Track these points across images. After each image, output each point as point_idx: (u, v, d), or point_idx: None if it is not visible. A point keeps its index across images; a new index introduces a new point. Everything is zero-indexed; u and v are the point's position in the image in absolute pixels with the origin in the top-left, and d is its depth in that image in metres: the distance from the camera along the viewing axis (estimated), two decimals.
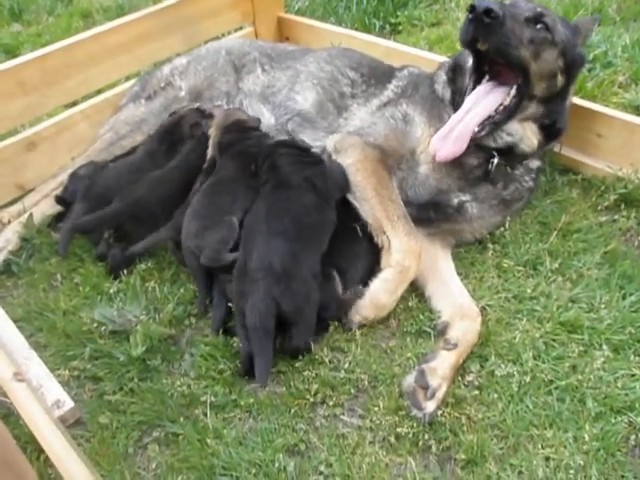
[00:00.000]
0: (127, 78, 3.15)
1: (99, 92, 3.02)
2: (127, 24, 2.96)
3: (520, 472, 1.64)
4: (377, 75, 2.64)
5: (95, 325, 2.03)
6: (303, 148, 2.35)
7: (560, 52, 2.12)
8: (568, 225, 2.31)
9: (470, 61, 2.19)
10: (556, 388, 1.81)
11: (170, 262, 2.28)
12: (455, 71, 2.37)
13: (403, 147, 2.28)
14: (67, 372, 1.95)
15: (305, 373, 1.87)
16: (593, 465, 1.62)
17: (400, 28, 3.89)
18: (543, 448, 1.67)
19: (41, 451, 1.62)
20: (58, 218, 2.49)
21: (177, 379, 1.89)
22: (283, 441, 1.72)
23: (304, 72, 2.75)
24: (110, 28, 2.92)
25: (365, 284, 2.03)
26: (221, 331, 1.98)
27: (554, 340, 1.93)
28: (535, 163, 2.35)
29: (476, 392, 1.80)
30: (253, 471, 1.66)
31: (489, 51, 2.00)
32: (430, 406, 1.74)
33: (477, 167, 2.25)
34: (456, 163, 2.20)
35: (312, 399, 1.81)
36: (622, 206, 2.39)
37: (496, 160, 2.22)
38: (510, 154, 2.24)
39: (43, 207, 2.54)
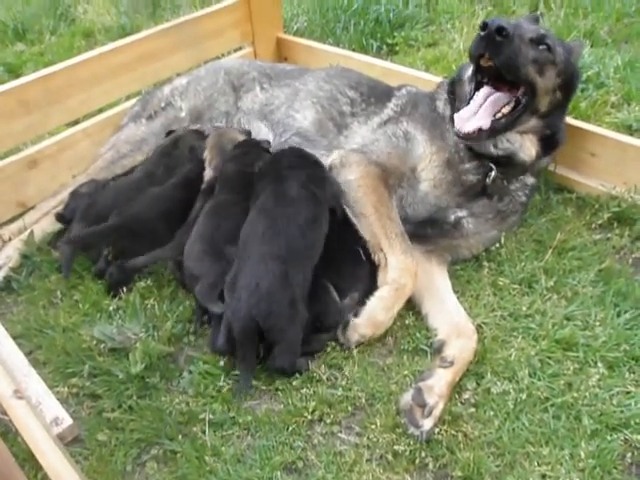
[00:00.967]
0: (128, 97, 3.19)
1: (100, 111, 3.06)
2: (130, 44, 3.01)
3: None
4: (376, 94, 2.68)
5: (94, 342, 2.04)
6: (304, 152, 2.41)
7: (559, 71, 2.20)
8: (563, 243, 2.34)
9: (470, 71, 2.25)
10: (552, 405, 1.82)
11: (169, 280, 2.29)
12: (454, 84, 2.43)
13: (404, 165, 2.32)
14: (66, 389, 1.95)
15: (303, 391, 1.88)
16: None
17: (397, 49, 3.96)
18: (539, 465, 1.68)
19: (39, 468, 1.61)
20: (59, 235, 2.49)
21: (176, 397, 1.89)
22: (281, 459, 1.72)
23: (303, 90, 2.78)
24: (113, 48, 2.97)
25: (363, 304, 2.04)
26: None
27: (549, 358, 1.95)
28: (530, 180, 2.40)
29: (472, 410, 1.81)
30: None
31: (495, 67, 2.05)
32: (427, 424, 1.74)
33: (476, 184, 2.29)
34: (456, 180, 2.25)
35: (310, 417, 1.82)
36: (615, 224, 2.42)
37: (494, 173, 2.26)
38: (508, 165, 2.28)
39: (44, 225, 2.55)
